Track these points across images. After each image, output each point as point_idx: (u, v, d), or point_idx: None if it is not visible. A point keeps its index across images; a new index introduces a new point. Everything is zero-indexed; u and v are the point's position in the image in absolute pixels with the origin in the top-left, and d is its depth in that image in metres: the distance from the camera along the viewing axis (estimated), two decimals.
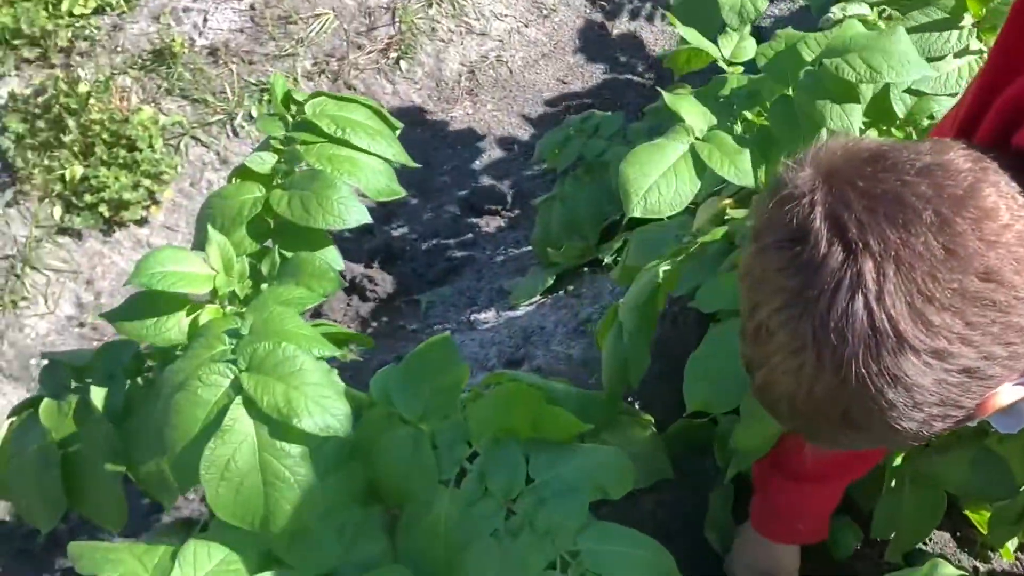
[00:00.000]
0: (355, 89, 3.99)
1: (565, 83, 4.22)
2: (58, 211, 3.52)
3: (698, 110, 2.14)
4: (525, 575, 1.70)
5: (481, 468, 1.82)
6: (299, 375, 1.67)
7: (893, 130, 2.21)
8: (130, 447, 1.98)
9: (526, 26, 4.34)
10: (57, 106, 3.57)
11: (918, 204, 1.19)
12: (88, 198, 3.50)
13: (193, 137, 3.80)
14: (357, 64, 4.08)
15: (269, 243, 2.08)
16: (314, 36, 4.09)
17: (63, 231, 3.53)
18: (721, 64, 2.37)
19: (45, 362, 2.16)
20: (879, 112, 2.14)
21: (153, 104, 3.79)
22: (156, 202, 3.63)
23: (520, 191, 3.90)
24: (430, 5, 4.25)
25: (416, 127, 4.05)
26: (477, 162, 4.01)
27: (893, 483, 2.20)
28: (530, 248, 3.60)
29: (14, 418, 2.13)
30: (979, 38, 2.19)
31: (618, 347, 2.12)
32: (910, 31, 2.12)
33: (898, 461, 2.17)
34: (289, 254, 2.04)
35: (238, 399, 1.67)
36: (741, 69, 2.33)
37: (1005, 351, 1.22)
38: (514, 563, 1.71)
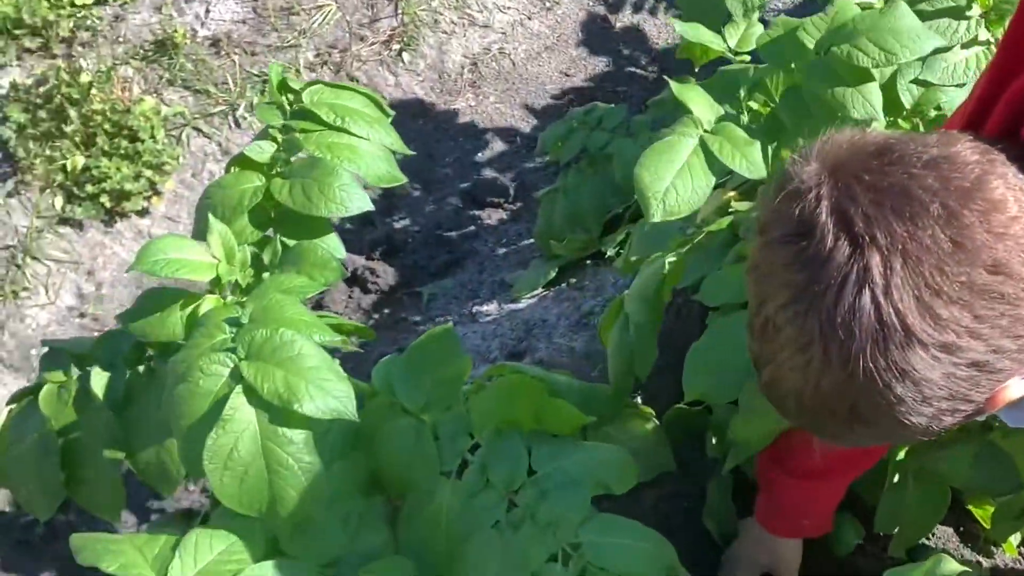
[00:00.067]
0: (357, 81, 3.98)
1: (568, 76, 4.20)
2: (59, 201, 3.51)
3: (706, 101, 2.12)
4: (526, 567, 1.69)
5: (483, 459, 1.81)
6: (298, 359, 1.67)
7: (900, 121, 2.20)
8: (130, 436, 1.97)
9: (529, 18, 4.33)
10: (59, 96, 3.56)
11: (925, 197, 1.18)
12: (89, 188, 3.50)
13: (195, 128, 3.79)
14: (359, 56, 4.07)
15: (270, 232, 2.08)
16: (316, 27, 4.08)
17: (64, 221, 3.53)
18: (727, 55, 2.36)
19: (45, 350, 2.15)
20: (886, 103, 2.12)
21: (155, 95, 3.78)
22: (157, 193, 3.62)
23: (522, 183, 3.89)
24: None
25: (418, 119, 4.04)
26: (479, 154, 4.00)
27: (896, 478, 2.19)
28: (532, 241, 3.59)
29: (13, 405, 2.12)
30: (987, 28, 2.18)
31: (624, 340, 2.11)
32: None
33: (901, 456, 2.16)
34: (291, 242, 2.04)
35: (238, 388, 1.66)
36: (748, 59, 2.32)
37: (1014, 344, 1.21)
38: (515, 555, 1.71)
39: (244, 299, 1.86)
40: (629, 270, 2.31)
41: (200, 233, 1.99)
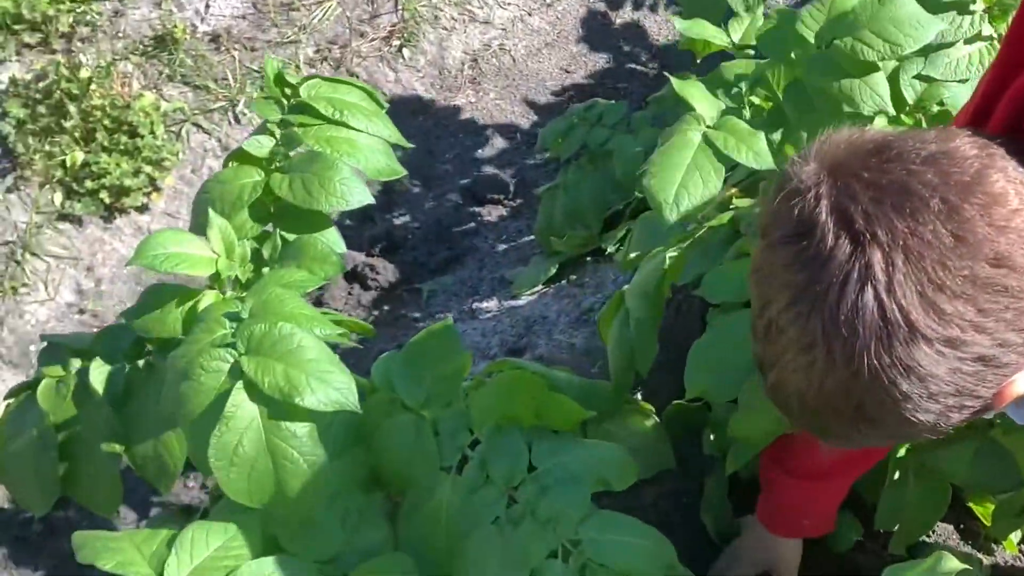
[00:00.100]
0: (357, 77, 3.97)
1: (568, 72, 4.20)
2: (59, 197, 3.50)
3: (707, 97, 2.12)
4: (526, 563, 1.69)
5: (483, 455, 1.81)
6: (297, 353, 1.66)
7: (903, 116, 2.19)
8: (129, 431, 1.97)
9: (529, 15, 4.32)
10: (58, 91, 3.55)
11: (925, 192, 1.18)
12: (89, 184, 3.49)
13: (194, 124, 3.78)
14: (359, 52, 4.06)
15: (269, 227, 2.07)
16: (316, 23, 4.07)
17: (63, 217, 3.52)
18: (730, 50, 2.36)
19: (44, 346, 2.15)
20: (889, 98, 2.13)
21: (154, 90, 3.77)
22: (157, 189, 3.61)
23: (522, 180, 3.89)
24: None
25: (418, 115, 4.04)
26: (479, 151, 4.00)
27: (897, 475, 2.18)
28: (532, 238, 3.59)
29: (11, 400, 2.12)
30: (991, 23, 2.18)
31: (625, 336, 2.11)
32: None
33: (902, 453, 2.16)
34: (290, 237, 2.03)
35: (239, 384, 1.66)
36: (752, 53, 2.32)
37: (1019, 338, 1.20)
38: (515, 551, 1.71)
39: (244, 294, 1.86)
40: (629, 266, 2.31)
41: (198, 228, 1.99)
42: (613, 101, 3.49)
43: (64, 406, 2.00)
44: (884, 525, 2.25)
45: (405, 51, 4.13)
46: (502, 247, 3.68)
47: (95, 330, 3.25)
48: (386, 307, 3.51)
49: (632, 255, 2.29)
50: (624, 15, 4.33)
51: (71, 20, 3.83)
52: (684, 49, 2.61)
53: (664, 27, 4.27)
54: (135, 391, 1.98)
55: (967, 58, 2.17)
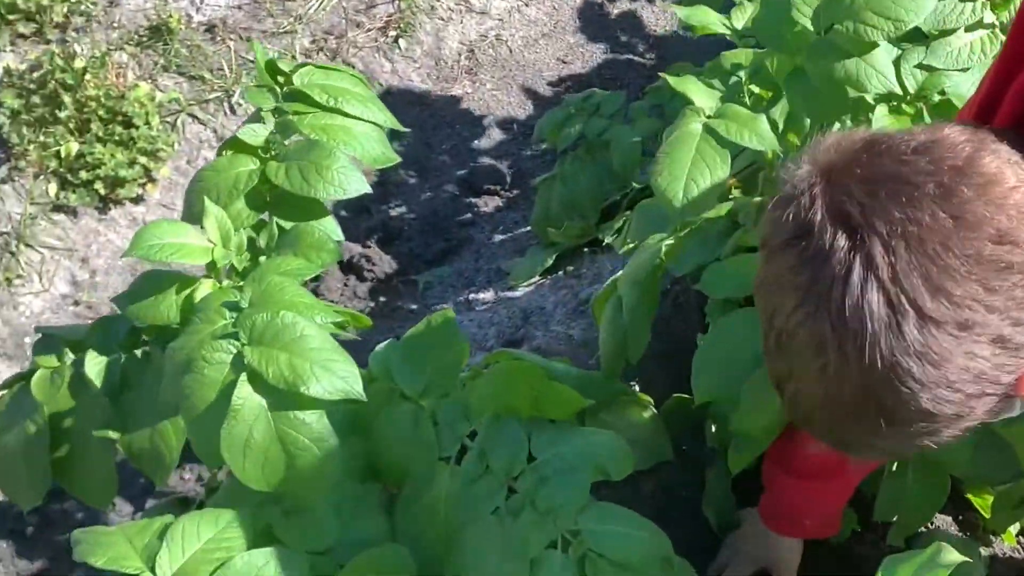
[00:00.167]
0: (353, 67, 3.96)
1: (565, 63, 4.19)
2: (53, 188, 3.49)
3: (704, 90, 2.11)
4: (525, 554, 1.68)
5: (482, 445, 1.80)
6: (301, 342, 1.65)
7: (904, 106, 2.19)
8: (126, 422, 1.96)
9: (526, 5, 4.32)
10: (53, 82, 3.54)
11: (919, 179, 1.18)
12: (84, 175, 3.48)
13: (190, 114, 3.77)
14: (356, 42, 4.05)
15: (265, 216, 2.06)
16: (312, 13, 4.06)
17: (58, 208, 3.51)
18: (732, 39, 2.35)
19: (39, 337, 2.13)
20: None
21: (150, 81, 3.76)
22: (152, 180, 3.60)
23: (519, 171, 3.88)
24: None
25: (415, 106, 4.03)
26: (476, 142, 3.99)
27: (896, 467, 2.18)
28: (529, 229, 3.58)
29: (5, 391, 2.11)
30: (993, 11, 2.17)
31: (617, 323, 2.10)
32: None
33: None
34: (287, 225, 2.02)
35: (243, 376, 1.65)
36: (753, 42, 2.31)
37: None
38: (515, 542, 1.70)
39: (241, 283, 1.85)
40: (628, 254, 2.30)
41: (192, 218, 1.98)
42: (610, 91, 3.49)
43: (59, 397, 1.99)
44: (883, 516, 2.24)
45: (401, 41, 4.12)
46: (499, 238, 3.68)
47: (90, 321, 3.24)
48: (382, 298, 3.50)
49: (630, 244, 2.28)
50: (621, 5, 4.33)
51: (65, 10, 3.82)
52: (683, 34, 2.60)
53: (661, 17, 4.26)
54: (131, 381, 1.97)
55: (968, 47, 2.16)
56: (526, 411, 1.85)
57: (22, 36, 3.79)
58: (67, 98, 3.51)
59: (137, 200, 3.59)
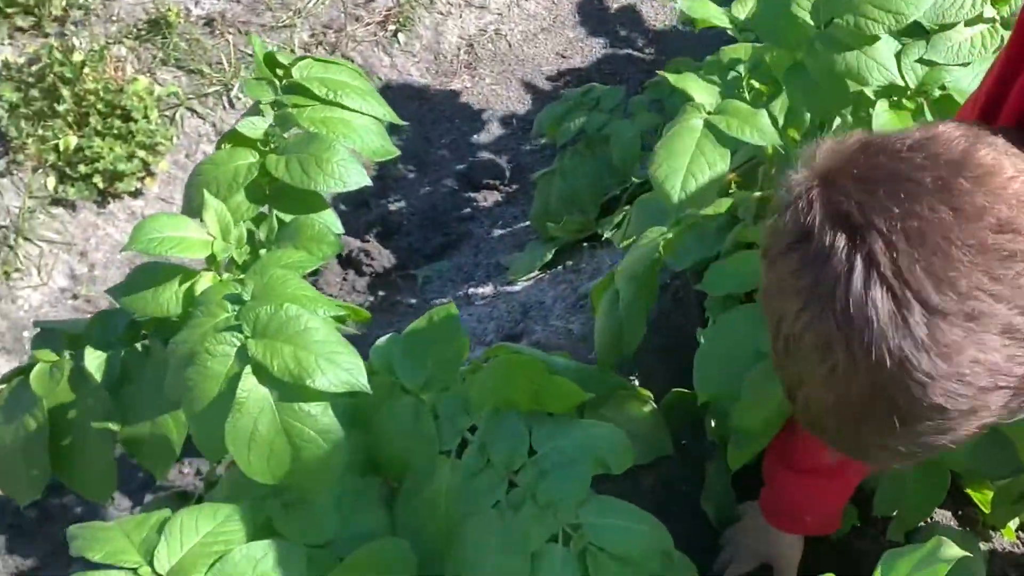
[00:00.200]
0: (352, 61, 3.96)
1: (564, 57, 4.19)
2: (52, 182, 3.48)
3: (703, 86, 2.11)
4: (526, 547, 1.68)
5: (483, 439, 1.80)
6: (305, 334, 1.66)
7: (904, 100, 2.18)
8: (126, 416, 1.96)
9: None
10: (51, 75, 3.53)
11: (916, 175, 1.18)
12: (82, 168, 3.47)
13: (189, 108, 3.76)
14: (355, 36, 4.05)
15: (265, 209, 2.06)
16: (312, 7, 4.06)
17: (57, 202, 3.50)
18: (731, 32, 2.35)
19: (37, 332, 2.13)
20: (891, 83, 2.11)
21: (148, 74, 3.75)
22: (151, 174, 3.59)
23: (518, 165, 3.88)
24: None
25: (414, 101, 4.03)
26: (475, 136, 3.99)
27: None
28: (528, 224, 3.58)
29: (3, 386, 2.10)
30: (993, 5, 2.16)
31: (613, 316, 2.10)
32: None
33: None
34: (287, 218, 2.02)
35: (247, 369, 1.65)
36: (753, 36, 2.31)
37: None
38: (516, 535, 1.70)
39: (241, 276, 1.85)
40: (629, 249, 2.30)
41: (191, 211, 1.98)
42: (610, 86, 3.49)
43: (58, 391, 1.99)
44: (883, 511, 2.24)
45: (400, 36, 4.11)
46: (498, 233, 3.68)
47: (89, 315, 3.24)
48: (381, 293, 3.50)
49: (630, 239, 2.28)
50: (620, 0, 4.32)
51: (64, 3, 3.81)
52: (682, 29, 2.60)
53: (660, 11, 4.26)
54: (131, 375, 1.97)
55: (969, 41, 2.16)
56: (526, 405, 1.84)
57: (20, 29, 3.78)
58: (66, 92, 3.50)
59: (136, 194, 3.58)
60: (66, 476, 2.06)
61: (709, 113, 2.08)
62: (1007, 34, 2.15)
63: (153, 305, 1.86)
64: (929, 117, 2.17)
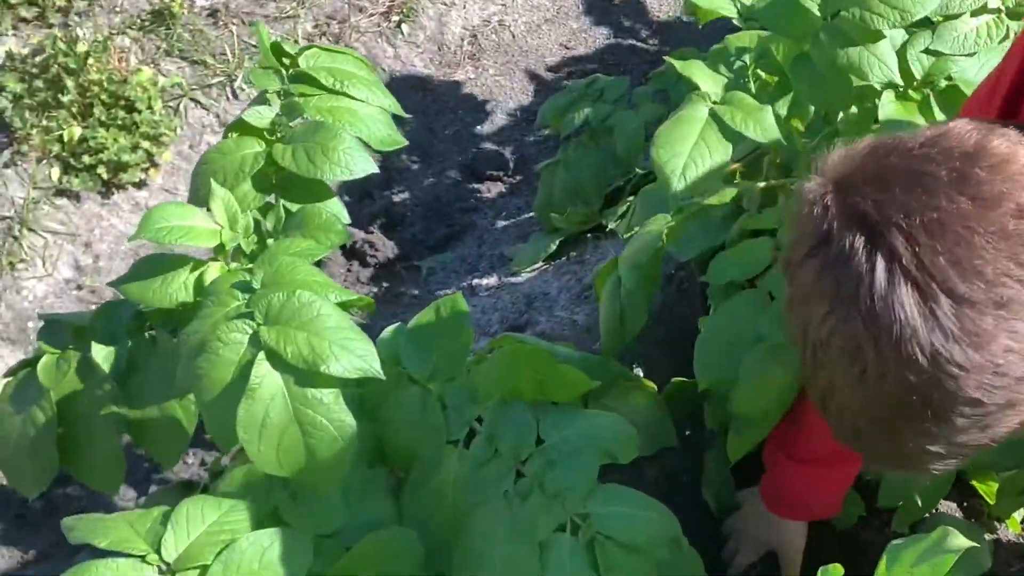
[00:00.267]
0: (356, 52, 3.95)
1: (568, 48, 4.18)
2: (56, 172, 3.48)
3: (710, 75, 2.11)
4: (534, 537, 1.68)
5: (490, 429, 1.80)
6: (318, 321, 1.66)
7: (911, 91, 2.18)
8: (133, 406, 1.96)
9: None
10: (55, 66, 3.53)
11: (930, 169, 1.17)
12: (86, 159, 3.47)
13: (192, 99, 3.76)
14: (358, 27, 4.04)
15: (271, 199, 2.06)
16: None
17: (61, 193, 3.50)
18: (737, 21, 2.34)
19: (42, 324, 2.13)
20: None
21: (152, 65, 3.75)
22: (155, 164, 3.59)
23: (522, 156, 3.87)
24: None
25: (417, 92, 4.02)
26: (479, 127, 3.98)
27: None
28: (532, 215, 3.58)
29: (10, 378, 2.11)
30: None
31: (615, 302, 2.10)
32: None
33: None
34: (293, 208, 2.02)
35: (261, 355, 1.65)
36: (757, 25, 2.30)
37: None
38: (523, 525, 1.70)
39: (249, 265, 1.85)
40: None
41: (198, 200, 1.98)
42: (614, 77, 3.48)
43: (64, 382, 1.99)
44: (887, 503, 2.24)
45: (404, 26, 4.11)
46: (501, 224, 3.67)
47: (93, 306, 3.24)
48: (385, 284, 3.50)
49: (635, 229, 2.28)
50: None
51: None
52: (686, 20, 2.59)
53: (664, 2, 4.25)
54: (139, 365, 1.97)
55: (975, 31, 2.15)
56: (531, 394, 1.85)
57: (24, 20, 3.77)
58: (70, 82, 3.50)
59: (140, 185, 3.58)
60: (74, 467, 2.07)
61: (714, 103, 2.08)
62: (1013, 24, 2.16)
63: (161, 295, 1.86)
64: (935, 108, 2.17)
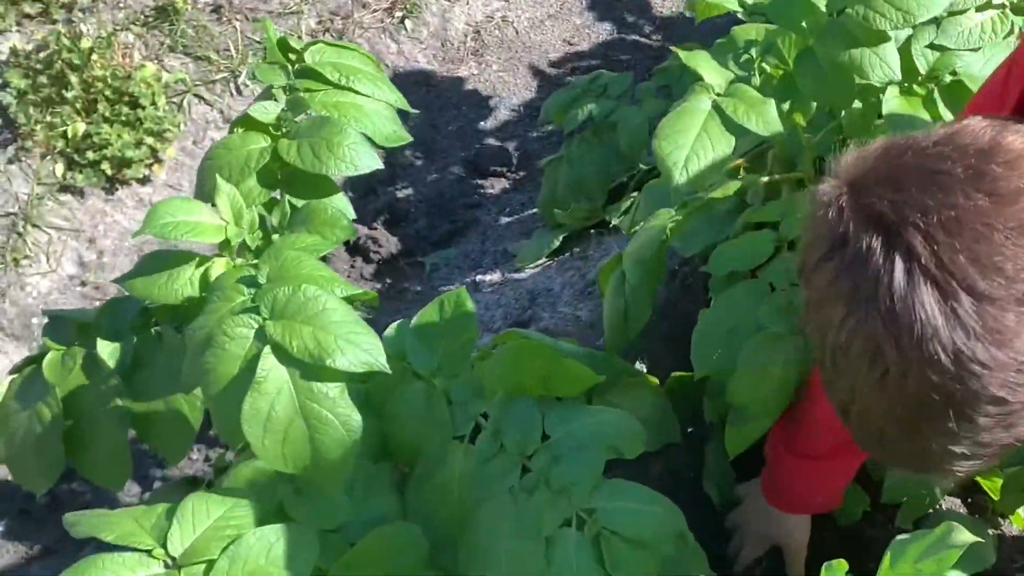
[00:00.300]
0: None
1: (571, 44, 4.18)
2: (60, 168, 3.48)
3: (715, 66, 2.10)
4: (540, 532, 1.68)
5: (496, 424, 1.80)
6: (324, 315, 1.65)
7: (915, 86, 2.18)
8: (139, 402, 1.96)
9: None
10: (59, 62, 3.53)
11: (945, 166, 1.16)
12: (90, 155, 3.47)
13: (196, 95, 3.76)
14: (362, 23, 4.04)
15: (277, 194, 2.07)
16: None
17: (65, 189, 3.50)
18: (741, 15, 2.34)
19: (47, 321, 2.13)
20: (901, 69, 2.11)
21: (156, 61, 3.75)
22: (159, 160, 3.59)
23: (525, 152, 3.87)
24: None
25: (421, 87, 4.02)
26: (482, 123, 3.98)
27: None
28: (535, 211, 3.57)
29: (15, 376, 2.11)
30: None
31: (619, 299, 2.10)
32: None
33: None
34: (299, 203, 2.02)
35: (267, 348, 1.65)
36: (763, 19, 2.30)
37: None
38: (529, 520, 1.70)
39: (255, 261, 1.85)
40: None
41: (203, 195, 1.98)
42: (617, 73, 3.48)
43: (70, 379, 1.99)
44: (892, 499, 2.24)
45: (407, 22, 4.11)
46: (505, 220, 3.67)
47: (97, 303, 3.25)
48: (388, 280, 3.50)
49: (639, 224, 2.28)
50: None
51: None
52: (689, 16, 2.58)
53: None
54: (144, 362, 1.97)
55: (979, 26, 2.15)
56: (536, 390, 1.85)
57: (28, 16, 3.77)
58: (74, 78, 3.50)
59: (144, 181, 3.58)
60: (79, 464, 2.07)
61: (718, 95, 2.07)
62: (1017, 20, 2.16)
63: (167, 291, 1.86)
64: (939, 103, 2.17)
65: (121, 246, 3.47)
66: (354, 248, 3.53)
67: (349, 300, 1.82)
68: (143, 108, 3.53)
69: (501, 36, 4.19)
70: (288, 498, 1.75)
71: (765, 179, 2.23)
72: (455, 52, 4.13)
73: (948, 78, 2.19)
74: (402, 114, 2.21)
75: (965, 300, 1.11)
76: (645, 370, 2.42)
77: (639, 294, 2.05)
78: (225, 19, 3.91)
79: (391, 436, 1.86)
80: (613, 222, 3.17)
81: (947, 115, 2.15)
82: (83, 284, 3.41)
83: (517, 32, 4.20)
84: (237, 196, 1.91)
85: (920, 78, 2.19)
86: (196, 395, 1.98)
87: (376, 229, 3.60)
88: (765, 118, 2.03)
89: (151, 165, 3.57)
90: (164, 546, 1.62)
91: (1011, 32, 2.14)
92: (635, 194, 3.01)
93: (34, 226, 3.43)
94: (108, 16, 3.83)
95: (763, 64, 2.12)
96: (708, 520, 2.34)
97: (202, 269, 1.86)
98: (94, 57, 3.55)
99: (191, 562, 1.61)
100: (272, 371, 1.64)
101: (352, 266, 3.51)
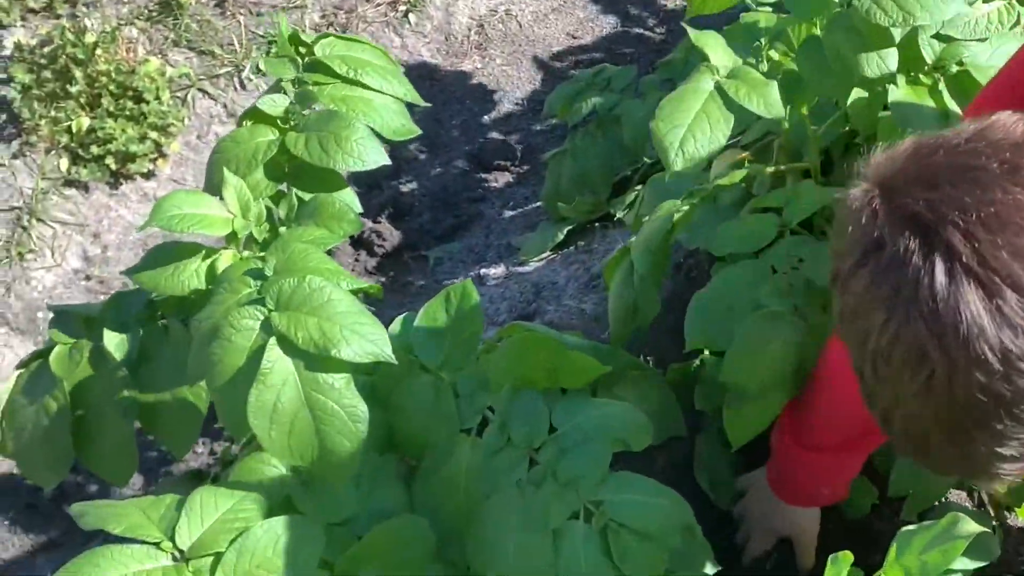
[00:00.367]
0: None
1: (575, 37, 4.18)
2: (64, 163, 3.49)
3: (723, 48, 2.07)
4: (547, 525, 1.68)
5: (503, 417, 1.80)
6: (329, 306, 1.65)
7: (921, 76, 2.17)
8: (145, 394, 1.96)
9: None
10: (63, 57, 3.53)
11: (980, 162, 1.14)
12: (95, 150, 3.47)
13: (200, 90, 3.76)
14: (366, 17, 4.04)
15: (284, 188, 2.07)
16: None
17: (69, 183, 3.50)
18: (749, 3, 2.33)
19: (52, 315, 2.13)
20: (908, 58, 2.10)
21: (160, 56, 3.75)
22: (163, 155, 3.60)
23: (529, 146, 3.87)
24: None
25: (424, 81, 4.02)
26: (486, 117, 3.98)
27: None
28: (539, 204, 3.57)
29: (22, 370, 2.11)
30: None
31: (627, 290, 2.10)
32: None
33: None
34: (306, 197, 2.02)
35: (272, 340, 1.65)
36: (770, 9, 2.29)
37: None
38: (537, 513, 1.70)
39: (262, 254, 1.85)
40: (639, 228, 2.29)
41: (211, 188, 1.98)
42: (621, 66, 3.48)
43: (77, 372, 1.99)
44: (898, 491, 2.24)
45: (411, 16, 4.10)
46: (509, 213, 3.67)
47: (101, 297, 3.25)
48: (392, 273, 3.50)
49: (643, 217, 2.28)
50: None
51: None
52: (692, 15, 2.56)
53: None
54: (151, 354, 1.97)
55: (986, 17, 2.15)
56: (543, 383, 1.85)
57: (32, 11, 3.78)
58: (78, 73, 3.50)
59: (148, 175, 3.58)
60: (86, 457, 2.07)
61: (721, 77, 2.06)
62: (1023, 11, 2.15)
63: (173, 283, 1.86)
64: (945, 93, 2.16)
65: (125, 240, 3.47)
66: (358, 242, 3.53)
67: (354, 293, 1.82)
68: (147, 103, 3.53)
69: (505, 30, 4.18)
70: (295, 491, 1.75)
71: (771, 169, 2.22)
72: (459, 46, 4.13)
73: (954, 68, 2.19)
74: (409, 105, 2.21)
75: (1011, 296, 1.08)
76: (651, 363, 2.42)
77: (647, 284, 2.05)
78: (229, 13, 3.91)
79: (397, 428, 1.86)
80: (617, 216, 3.17)
81: (953, 105, 2.14)
82: (87, 278, 3.41)
83: (521, 26, 4.20)
84: (244, 189, 1.91)
85: (926, 67, 2.18)
86: (202, 387, 1.98)
87: (380, 223, 3.60)
88: (767, 100, 1.99)
89: (155, 160, 3.58)
90: (172, 539, 1.62)
91: (1017, 23, 2.14)
92: (639, 187, 3.01)
93: (39, 220, 3.43)
94: (112, 11, 3.83)
95: (771, 52, 2.10)
96: (712, 512, 2.34)
97: (209, 261, 1.86)
98: (98, 52, 3.55)
99: (199, 555, 1.61)
100: (277, 362, 1.64)
101: (356, 260, 3.51)
